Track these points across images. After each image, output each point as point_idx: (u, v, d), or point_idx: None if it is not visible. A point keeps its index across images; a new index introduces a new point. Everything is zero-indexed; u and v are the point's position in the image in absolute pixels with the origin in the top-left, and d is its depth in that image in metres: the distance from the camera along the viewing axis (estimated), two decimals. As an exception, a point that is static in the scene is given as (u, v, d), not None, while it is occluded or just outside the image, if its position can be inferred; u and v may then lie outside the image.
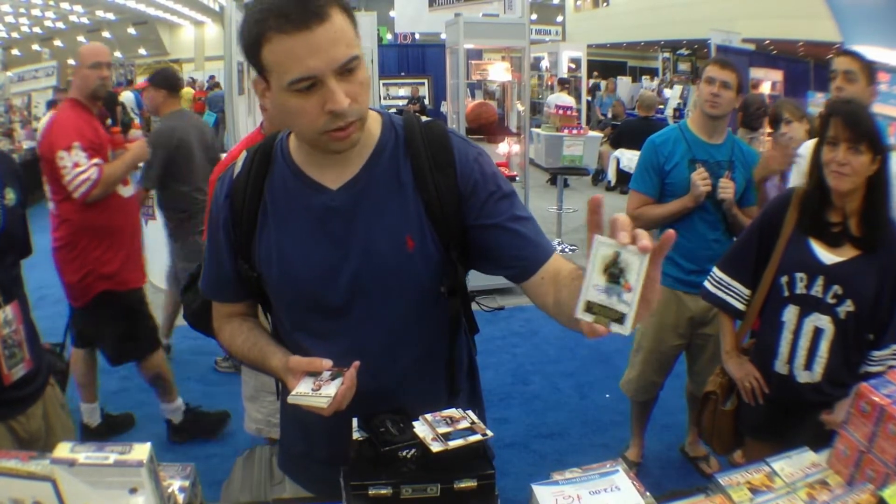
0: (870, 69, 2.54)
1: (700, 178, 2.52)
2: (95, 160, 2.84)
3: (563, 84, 11.85)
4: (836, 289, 1.81)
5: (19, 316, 1.67)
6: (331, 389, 1.09)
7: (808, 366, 1.87)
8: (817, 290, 1.84)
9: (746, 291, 2.03)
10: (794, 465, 1.27)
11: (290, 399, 1.10)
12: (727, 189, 2.53)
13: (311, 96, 1.04)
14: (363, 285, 1.20)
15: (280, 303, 1.28)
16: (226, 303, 1.35)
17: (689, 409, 3.05)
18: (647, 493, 1.11)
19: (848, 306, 1.81)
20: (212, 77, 18.21)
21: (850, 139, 1.73)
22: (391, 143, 1.21)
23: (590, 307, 0.81)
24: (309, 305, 1.24)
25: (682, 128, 2.68)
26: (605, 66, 21.58)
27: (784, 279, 1.90)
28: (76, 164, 2.78)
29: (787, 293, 1.90)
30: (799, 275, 1.87)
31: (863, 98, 2.44)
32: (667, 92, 13.39)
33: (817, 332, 1.85)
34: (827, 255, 1.84)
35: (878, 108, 3.94)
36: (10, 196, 1.66)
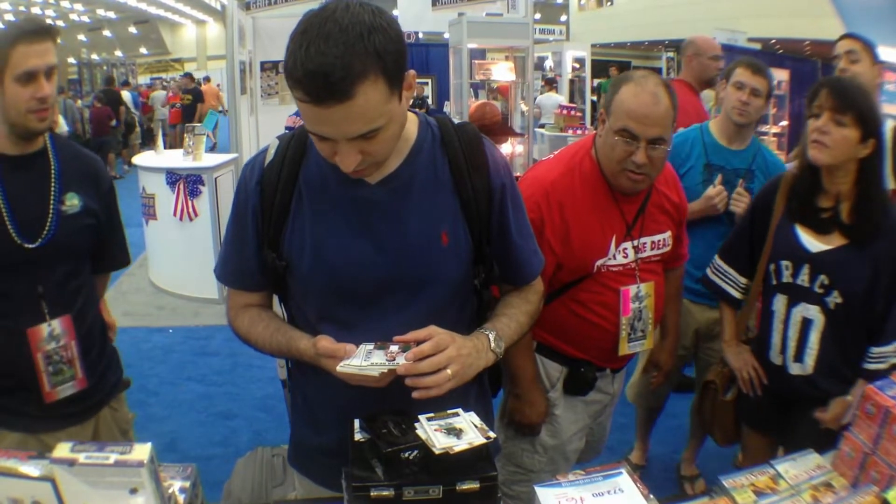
0: (871, 48, 2.46)
1: (717, 195, 2.36)
2: None
3: (551, 84, 11.72)
4: (823, 278, 1.73)
5: (71, 331, 1.55)
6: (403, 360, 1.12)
7: (799, 357, 1.80)
8: (803, 279, 1.76)
9: (743, 280, 1.98)
10: (799, 467, 1.26)
11: (340, 368, 1.11)
12: (740, 202, 2.35)
13: (326, 142, 1.08)
14: (396, 278, 1.22)
15: (308, 292, 1.28)
16: (244, 291, 1.36)
17: (691, 423, 2.90)
18: (651, 496, 1.10)
19: (836, 297, 1.72)
20: (187, 75, 15.01)
21: (834, 108, 1.64)
22: (428, 141, 1.25)
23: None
24: (340, 296, 1.25)
25: (702, 129, 2.51)
26: (609, 65, 21.53)
27: (772, 267, 1.83)
28: None
29: (774, 281, 1.83)
30: (785, 262, 1.80)
31: (869, 75, 2.37)
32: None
33: (806, 323, 1.78)
34: (813, 243, 1.75)
35: (884, 108, 3.90)
36: (73, 202, 1.53)
